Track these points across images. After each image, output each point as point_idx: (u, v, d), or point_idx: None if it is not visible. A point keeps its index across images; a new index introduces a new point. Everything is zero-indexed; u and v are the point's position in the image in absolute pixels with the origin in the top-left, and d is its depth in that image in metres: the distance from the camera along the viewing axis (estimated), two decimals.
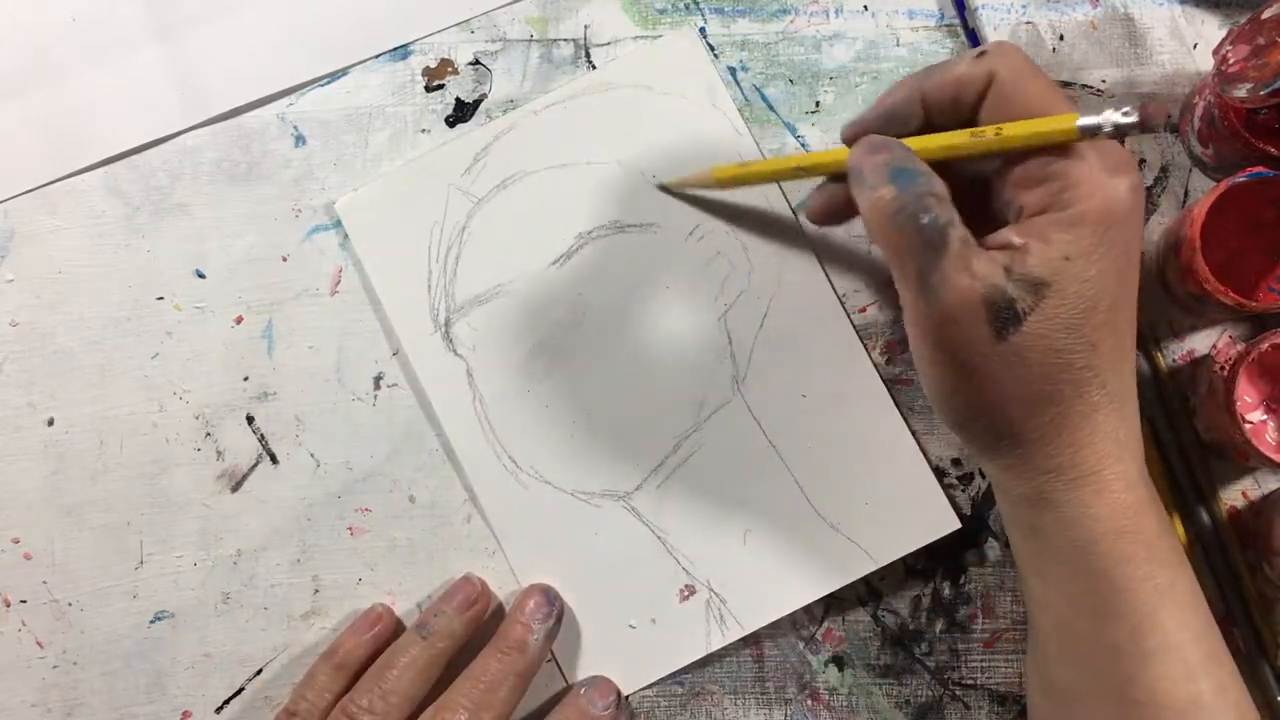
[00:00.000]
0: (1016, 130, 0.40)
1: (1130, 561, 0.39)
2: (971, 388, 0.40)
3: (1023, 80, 0.40)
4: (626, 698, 0.51)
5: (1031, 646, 0.45)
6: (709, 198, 0.53)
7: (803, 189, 0.54)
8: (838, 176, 0.46)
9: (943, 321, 0.39)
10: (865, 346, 0.52)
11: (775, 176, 0.49)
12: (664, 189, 0.53)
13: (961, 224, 0.39)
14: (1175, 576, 0.40)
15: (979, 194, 0.43)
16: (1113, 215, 0.38)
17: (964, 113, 0.42)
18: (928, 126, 0.42)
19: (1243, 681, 0.41)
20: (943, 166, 0.41)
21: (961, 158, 0.41)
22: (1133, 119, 0.37)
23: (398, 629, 0.51)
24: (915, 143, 0.42)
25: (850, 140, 0.44)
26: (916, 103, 0.42)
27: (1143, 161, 0.53)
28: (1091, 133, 0.38)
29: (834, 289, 0.53)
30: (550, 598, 0.50)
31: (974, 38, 0.54)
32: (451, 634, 0.49)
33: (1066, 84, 0.54)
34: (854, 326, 0.52)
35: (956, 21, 0.55)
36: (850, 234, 0.53)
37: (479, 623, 0.50)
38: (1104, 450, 0.40)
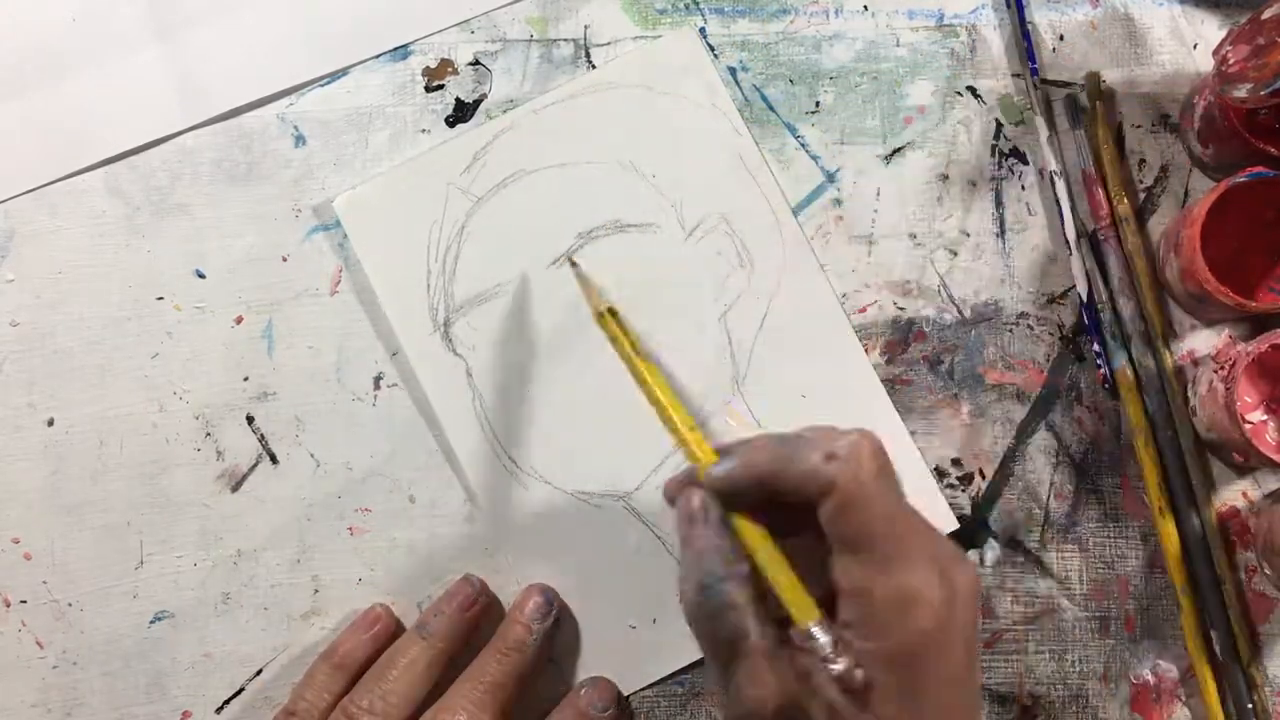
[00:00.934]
0: (776, 579, 0.39)
1: None
2: None
3: (856, 502, 0.38)
4: (627, 698, 0.51)
5: None
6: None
7: (804, 189, 0.54)
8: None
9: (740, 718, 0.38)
10: (864, 347, 0.52)
11: (641, 384, 0.46)
12: (574, 265, 0.52)
13: (763, 631, 0.38)
14: None
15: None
16: (910, 657, 0.37)
17: (809, 505, 0.39)
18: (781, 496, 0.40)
19: None
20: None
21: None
22: (839, 670, 0.36)
23: (397, 629, 0.51)
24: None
25: (709, 484, 0.41)
26: (770, 481, 0.40)
27: (1143, 161, 0.53)
28: (808, 639, 0.37)
29: (834, 289, 0.53)
30: (549, 598, 0.50)
31: (1028, 36, 0.54)
32: (451, 634, 0.49)
33: (1066, 84, 0.54)
34: (853, 327, 0.52)
35: (958, 22, 0.55)
36: (849, 236, 0.53)
37: (479, 623, 0.50)
38: None
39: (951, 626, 0.37)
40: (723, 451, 0.42)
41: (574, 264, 0.52)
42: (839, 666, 0.37)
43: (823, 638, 0.37)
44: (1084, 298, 0.52)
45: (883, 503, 0.38)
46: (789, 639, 0.38)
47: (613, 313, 0.49)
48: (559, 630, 0.51)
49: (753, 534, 0.40)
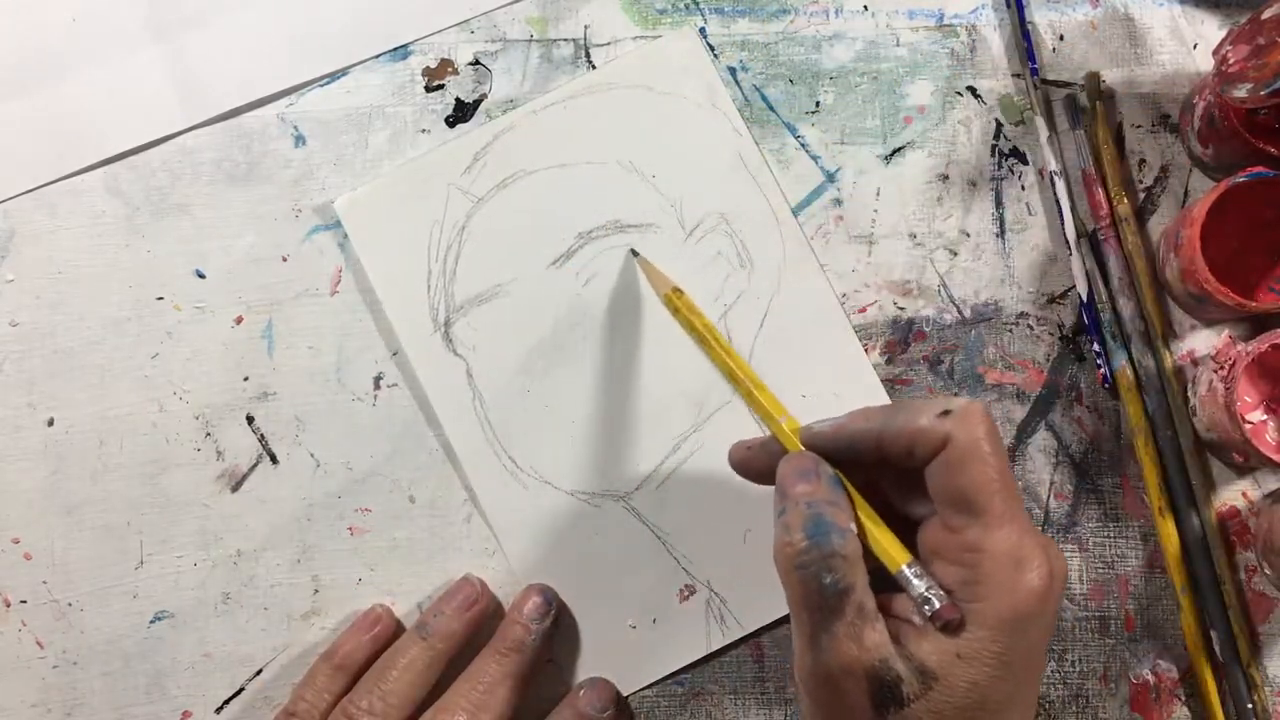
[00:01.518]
0: (873, 529, 0.40)
1: None
2: None
3: (973, 457, 0.38)
4: (626, 698, 0.51)
5: None
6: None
7: (804, 189, 0.54)
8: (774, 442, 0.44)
9: (824, 682, 0.38)
10: (864, 347, 0.52)
11: (718, 361, 0.47)
12: (635, 254, 0.52)
13: (866, 589, 0.38)
14: None
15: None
16: (1016, 619, 0.37)
17: (916, 464, 0.40)
18: (882, 462, 0.41)
19: None
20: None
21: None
22: (936, 607, 0.37)
23: (397, 630, 0.51)
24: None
25: (807, 444, 0.42)
26: (873, 441, 0.40)
27: (1143, 161, 0.53)
28: (903, 580, 0.38)
29: (834, 289, 0.53)
30: (547, 597, 0.50)
31: (1028, 37, 0.54)
32: (451, 635, 0.49)
33: (1066, 84, 0.54)
34: (853, 327, 0.52)
35: (958, 22, 0.55)
36: (849, 236, 0.53)
37: (479, 623, 0.50)
38: None
39: (1053, 596, 0.38)
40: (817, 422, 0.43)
41: (635, 254, 0.52)
42: (937, 602, 0.37)
43: (918, 580, 0.38)
44: (1084, 298, 0.52)
45: (998, 460, 0.38)
46: (883, 606, 0.38)
47: (678, 292, 0.49)
48: (558, 630, 0.51)
49: (855, 493, 0.41)
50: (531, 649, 0.49)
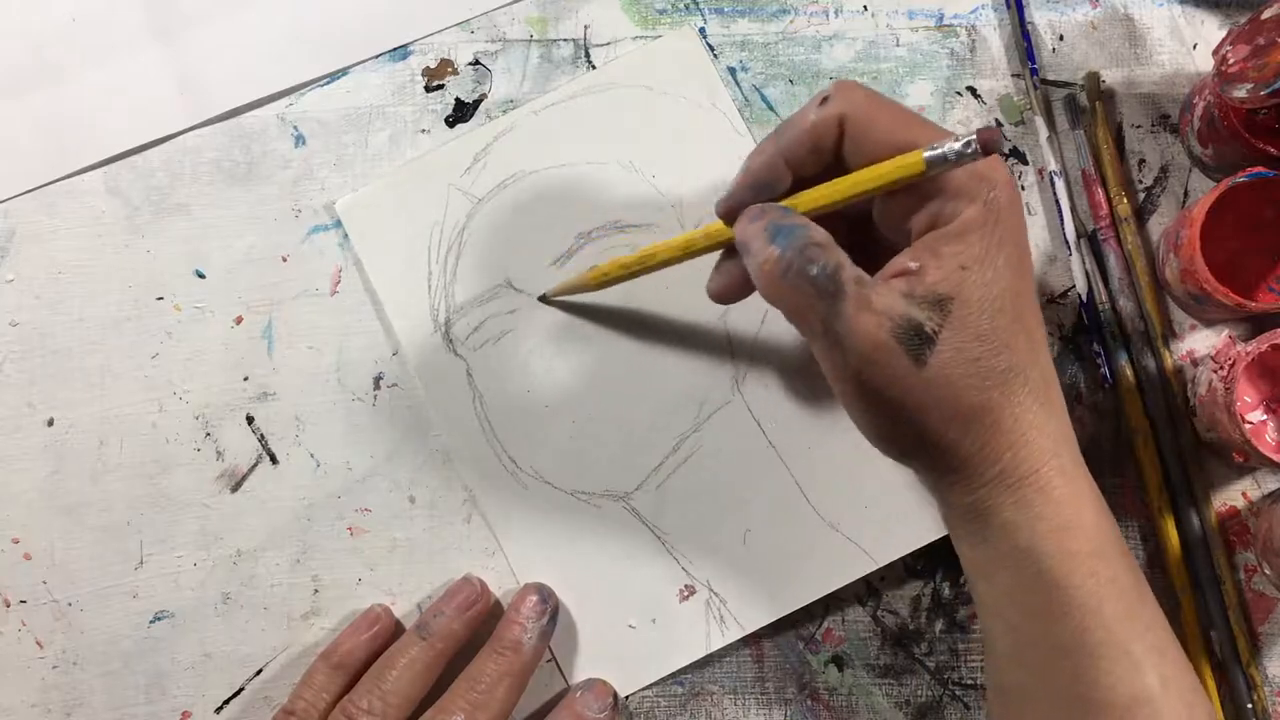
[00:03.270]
0: (867, 177, 0.40)
1: (1073, 557, 0.39)
2: (905, 420, 0.39)
3: (873, 113, 0.40)
4: (625, 698, 0.51)
5: (986, 650, 0.45)
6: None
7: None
8: (730, 252, 0.45)
9: (860, 365, 0.38)
10: None
11: (660, 263, 0.47)
12: (545, 300, 0.52)
13: (851, 264, 0.39)
14: (1118, 569, 0.40)
15: (862, 229, 0.44)
16: (995, 214, 0.39)
17: (825, 159, 0.41)
18: (796, 184, 0.42)
19: (1192, 670, 0.40)
20: (820, 216, 0.41)
21: (833, 208, 0.41)
22: (974, 148, 0.37)
23: (396, 630, 0.51)
24: (788, 203, 0.42)
25: (726, 216, 0.43)
26: (780, 165, 0.42)
27: (1143, 161, 0.53)
28: (939, 164, 0.38)
29: None
30: (544, 596, 0.50)
31: (1027, 37, 0.54)
32: (451, 635, 0.49)
33: (1066, 84, 0.54)
34: None
35: (957, 22, 0.55)
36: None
37: (479, 623, 0.50)
38: (1040, 446, 0.39)
39: (1015, 198, 0.40)
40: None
41: (544, 298, 0.52)
42: (974, 138, 0.37)
43: (938, 147, 0.38)
44: (1084, 298, 0.52)
45: (894, 108, 0.40)
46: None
47: (598, 270, 0.50)
48: (556, 628, 0.51)
49: (838, 183, 0.41)
50: (530, 648, 0.49)
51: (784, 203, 0.42)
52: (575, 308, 0.52)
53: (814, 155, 0.41)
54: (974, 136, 0.37)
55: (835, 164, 0.42)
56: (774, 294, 0.40)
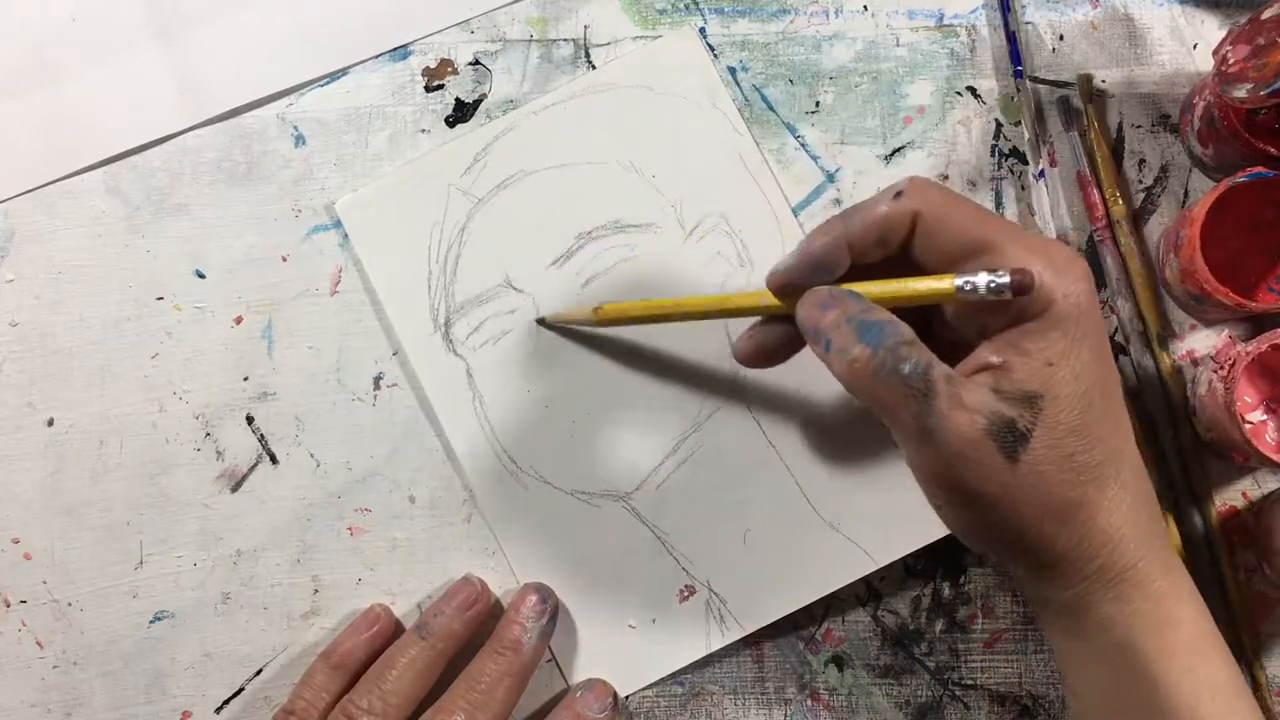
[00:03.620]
0: (902, 292, 0.40)
1: (1172, 655, 0.39)
2: (1000, 517, 0.39)
3: (946, 212, 0.40)
4: (625, 698, 0.51)
5: None
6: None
7: (804, 189, 0.54)
8: (768, 320, 0.45)
9: (952, 462, 0.38)
10: None
11: (681, 316, 0.47)
12: (543, 323, 0.52)
13: (939, 361, 0.39)
14: (1214, 665, 0.40)
15: (926, 318, 0.43)
16: (1077, 311, 0.38)
17: (891, 250, 0.41)
18: (854, 268, 0.42)
19: None
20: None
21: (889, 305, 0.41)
22: (1005, 280, 0.37)
23: (396, 629, 0.51)
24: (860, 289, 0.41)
25: (778, 290, 0.43)
26: (842, 249, 0.41)
27: (1143, 161, 0.53)
28: (968, 293, 0.38)
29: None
30: (544, 596, 0.50)
31: (1013, 38, 0.54)
32: (451, 635, 0.49)
33: (1066, 84, 0.54)
34: None
35: (957, 22, 0.55)
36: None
37: (479, 623, 0.50)
38: (1136, 539, 0.39)
39: (1093, 295, 0.39)
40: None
41: (542, 321, 0.52)
42: (1005, 275, 0.37)
43: (974, 276, 0.38)
44: None
45: (967, 208, 0.40)
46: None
47: (599, 308, 0.49)
48: (556, 628, 0.51)
49: (870, 287, 0.41)
50: (529, 648, 0.49)
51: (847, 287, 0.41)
52: (574, 305, 0.52)
53: (880, 247, 0.41)
54: (1007, 279, 0.37)
55: (900, 254, 0.41)
56: (865, 391, 0.39)
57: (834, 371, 0.40)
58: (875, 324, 0.38)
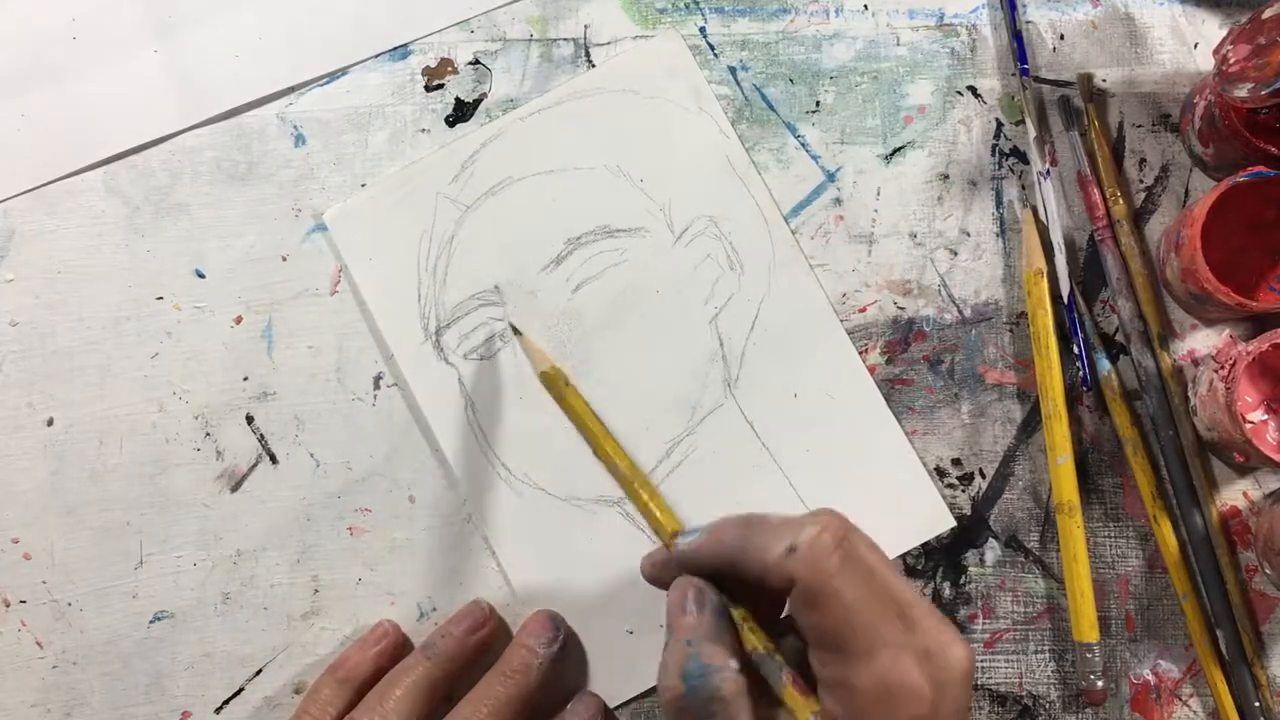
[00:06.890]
0: (774, 678, 0.40)
1: None
2: None
3: (822, 595, 0.37)
4: (612, 710, 0.51)
5: None
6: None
7: (804, 189, 0.53)
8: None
9: None
10: (864, 346, 0.52)
11: (599, 453, 0.50)
12: (516, 331, 0.52)
13: (750, 714, 0.38)
14: None
15: None
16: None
17: (774, 594, 0.40)
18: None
19: None
20: None
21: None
22: None
23: (403, 645, 0.51)
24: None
25: (680, 562, 0.43)
26: (730, 566, 0.41)
27: (1143, 161, 0.53)
28: None
29: (824, 289, 0.52)
30: (555, 623, 0.50)
31: (1019, 38, 0.53)
32: (457, 656, 0.49)
33: (1066, 84, 0.54)
34: (853, 327, 0.52)
35: (958, 21, 0.54)
36: (849, 235, 0.53)
37: (485, 647, 0.50)
38: None
39: (941, 713, 0.37)
40: (687, 532, 0.44)
41: (516, 330, 0.52)
42: None
43: None
44: (1066, 300, 0.51)
45: (852, 593, 0.37)
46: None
47: (557, 371, 0.50)
48: (565, 655, 0.50)
49: (754, 630, 0.41)
50: (537, 673, 0.48)
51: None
52: (565, 312, 0.52)
53: (761, 587, 0.40)
54: None
55: (778, 599, 0.41)
56: (667, 711, 0.40)
57: (657, 675, 0.40)
58: (704, 666, 0.39)
